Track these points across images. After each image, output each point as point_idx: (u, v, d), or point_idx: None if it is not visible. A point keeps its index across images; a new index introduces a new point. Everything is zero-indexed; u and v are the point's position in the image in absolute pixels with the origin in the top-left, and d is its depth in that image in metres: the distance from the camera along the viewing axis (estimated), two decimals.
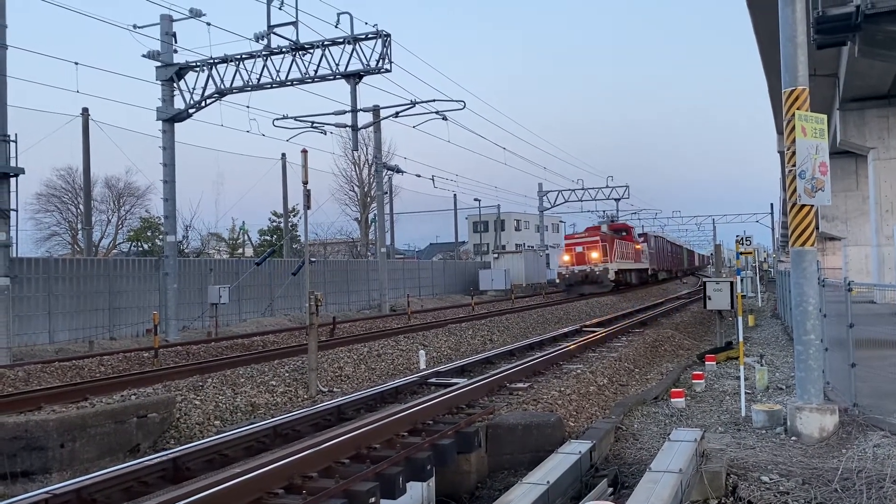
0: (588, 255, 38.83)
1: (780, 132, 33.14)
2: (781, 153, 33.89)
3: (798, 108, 8.40)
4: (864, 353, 9.05)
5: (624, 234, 45.10)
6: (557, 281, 41.58)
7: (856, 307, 8.99)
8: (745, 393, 9.98)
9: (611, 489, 6.70)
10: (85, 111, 27.14)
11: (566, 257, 40.08)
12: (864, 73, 20.96)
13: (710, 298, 15.62)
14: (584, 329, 19.35)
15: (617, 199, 56.10)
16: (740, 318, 11.02)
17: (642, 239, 50.06)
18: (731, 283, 15.47)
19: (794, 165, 8.44)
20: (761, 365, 12.17)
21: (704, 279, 19.96)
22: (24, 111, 22.96)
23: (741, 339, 10.79)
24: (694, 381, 12.01)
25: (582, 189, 55.76)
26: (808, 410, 8.19)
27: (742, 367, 10.19)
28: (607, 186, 55.60)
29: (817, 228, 29.83)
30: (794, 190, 8.44)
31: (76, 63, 19.90)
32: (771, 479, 6.64)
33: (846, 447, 7.62)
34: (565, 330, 18.95)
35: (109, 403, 9.44)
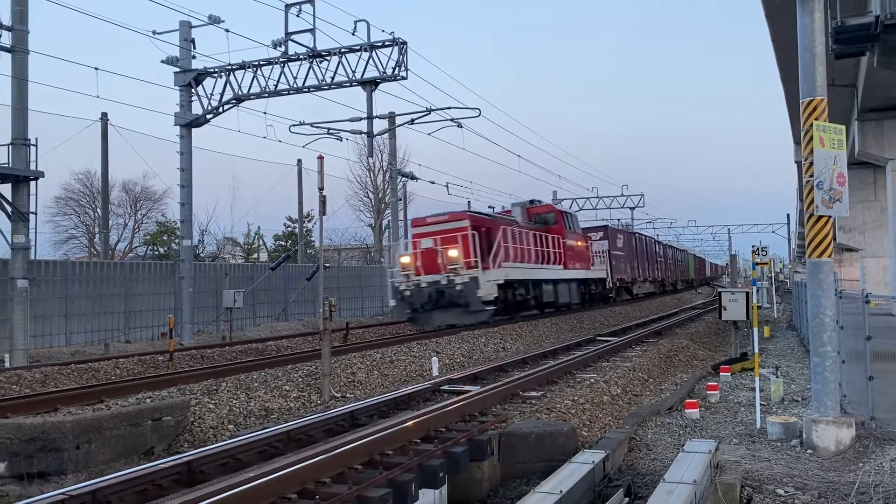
0: (443, 254, 20.78)
1: (797, 142, 32.93)
2: (799, 163, 33.64)
3: (816, 119, 8.36)
4: (881, 366, 8.97)
5: (545, 222, 27.51)
6: (392, 303, 22.40)
7: (873, 319, 8.91)
8: (761, 405, 9.90)
9: (625, 499, 6.67)
10: (104, 116, 27.43)
11: (405, 258, 21.68)
12: (883, 84, 20.78)
13: (725, 309, 15.54)
14: None
15: (632, 208, 55.93)
16: (755, 329, 10.94)
17: (599, 235, 34.16)
18: (747, 293, 15.37)
19: (811, 176, 8.39)
20: (777, 376, 12.08)
21: (720, 289, 19.84)
22: (44, 115, 23.24)
23: (756, 350, 10.71)
24: (708, 392, 11.92)
25: (597, 197, 55.61)
26: (824, 423, 8.11)
27: (757, 379, 10.12)
28: (622, 195, 55.44)
29: (835, 239, 29.59)
30: (812, 201, 8.38)
31: (96, 68, 20.12)
32: (786, 492, 6.58)
33: (863, 461, 7.54)
34: None
35: (125, 406, 9.51)
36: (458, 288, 20.02)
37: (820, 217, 8.41)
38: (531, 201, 28.64)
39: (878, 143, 24.25)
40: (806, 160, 8.49)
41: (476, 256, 20.45)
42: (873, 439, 8.16)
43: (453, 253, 20.46)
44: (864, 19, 11.83)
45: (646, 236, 48.66)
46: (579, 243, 29.46)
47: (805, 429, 8.33)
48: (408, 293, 20.84)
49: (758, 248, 29.03)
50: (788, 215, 69.26)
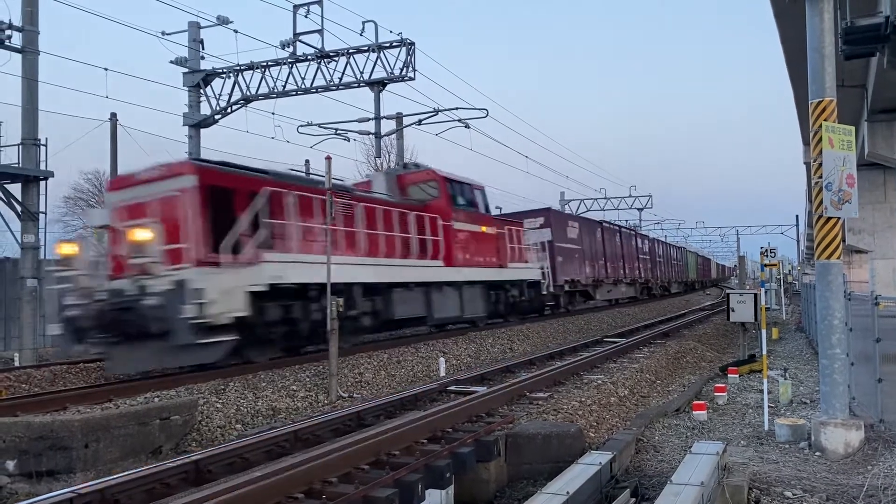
0: (127, 237, 11.57)
1: (806, 143, 32.77)
2: (807, 164, 33.49)
3: (825, 120, 8.32)
4: (891, 369, 8.91)
5: (424, 196, 19.00)
6: (54, 329, 12.45)
7: (883, 321, 8.86)
8: (769, 406, 9.86)
9: (632, 500, 6.65)
10: (113, 116, 27.53)
11: (69, 248, 12.26)
12: (892, 85, 20.64)
13: (733, 310, 15.48)
14: None
15: (640, 209, 55.77)
16: (764, 331, 10.90)
17: (538, 222, 25.78)
18: (755, 295, 15.31)
19: (820, 177, 8.35)
20: (785, 378, 12.03)
21: (728, 291, 19.76)
22: (54, 116, 23.39)
23: (765, 351, 10.67)
24: (716, 394, 11.89)
25: (605, 198, 55.47)
26: (832, 425, 8.07)
27: (765, 381, 10.08)
28: (630, 196, 55.30)
29: (844, 241, 29.42)
30: (821, 202, 8.35)
31: (105, 69, 20.24)
32: (794, 495, 6.55)
33: (872, 463, 7.50)
34: None
35: (133, 405, 9.54)
36: (148, 302, 10.86)
37: (829, 218, 8.38)
38: (405, 165, 22.22)
39: (888, 145, 24.10)
40: (815, 161, 8.46)
41: (198, 241, 11.58)
42: (882, 442, 8.12)
43: (144, 235, 11.22)
44: (873, 20, 11.78)
45: (620, 227, 39.30)
46: (485, 229, 20.29)
47: (813, 431, 8.30)
48: (76, 312, 11.49)
49: (766, 250, 28.98)
50: (797, 217, 68.94)
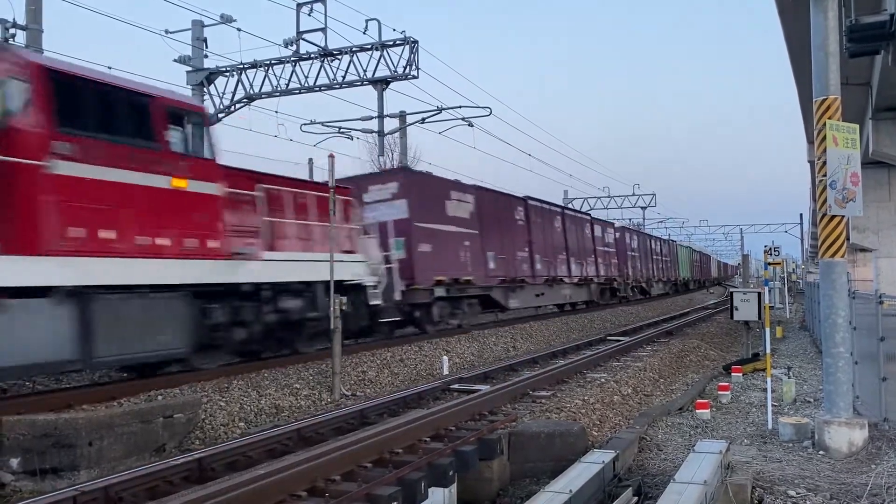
0: None
1: (810, 142, 32.68)
2: (811, 163, 33.40)
3: (829, 118, 8.30)
4: (895, 368, 8.89)
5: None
6: None
7: (887, 320, 8.84)
8: (772, 405, 9.85)
9: (635, 499, 6.65)
10: None
11: None
12: None
13: (737, 309, 15.47)
14: None
15: (643, 207, 55.72)
16: (767, 330, 10.88)
17: (389, 191, 17.73)
18: (759, 293, 15.30)
19: (824, 175, 8.33)
20: (789, 377, 12.01)
21: (731, 289, 19.75)
22: None
23: (768, 350, 10.65)
24: (720, 393, 11.87)
25: (608, 197, 55.45)
26: (836, 424, 8.06)
27: (769, 379, 10.06)
28: (633, 194, 55.24)
29: (848, 239, 29.38)
30: (825, 200, 8.33)
31: (109, 67, 20.24)
32: (798, 494, 6.54)
33: (876, 462, 7.49)
34: None
35: (137, 403, 9.56)
36: None
37: (833, 217, 8.36)
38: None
39: (894, 143, 24.00)
40: (819, 159, 8.44)
41: None
42: (886, 441, 8.11)
43: None
44: (878, 17, 11.71)
45: (565, 208, 30.10)
46: (183, 185, 10.54)
47: (817, 430, 8.28)
48: None
49: (770, 248, 28.91)
50: (801, 215, 68.77)
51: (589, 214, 33.26)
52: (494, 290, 21.00)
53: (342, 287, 13.02)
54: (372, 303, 14.52)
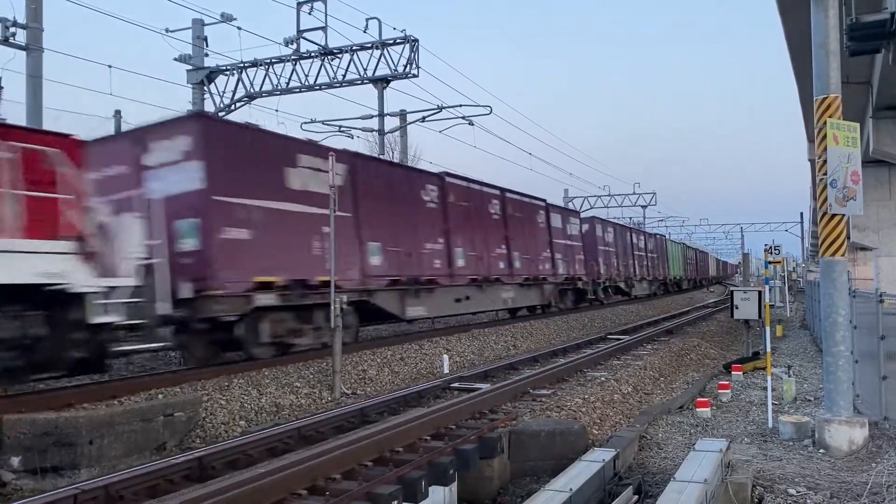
0: None
1: (810, 140, 32.65)
2: (812, 161, 33.36)
3: (830, 117, 8.30)
4: (895, 366, 8.89)
5: None
6: None
7: (887, 319, 8.84)
8: (773, 404, 9.86)
9: (635, 497, 6.65)
10: (117, 113, 27.58)
11: None
12: None
13: (737, 307, 15.47)
14: None
15: (644, 206, 55.71)
16: (768, 328, 10.88)
17: (181, 146, 11.74)
18: (759, 292, 15.30)
19: (825, 174, 8.33)
20: (789, 376, 12.02)
21: (732, 288, 19.75)
22: (58, 113, 23.35)
23: (769, 349, 10.65)
24: (720, 391, 11.87)
25: (608, 195, 55.44)
26: (836, 423, 8.06)
27: (769, 378, 10.06)
28: (634, 193, 55.22)
29: (848, 238, 29.35)
30: (825, 199, 8.33)
31: (110, 66, 20.27)
32: (798, 492, 6.55)
33: (876, 461, 7.49)
34: None
35: (137, 402, 9.56)
36: None
37: (833, 215, 8.35)
38: None
39: (894, 141, 23.99)
40: (819, 158, 8.44)
41: None
42: (886, 439, 8.11)
43: None
44: (879, 16, 11.69)
45: (505, 190, 23.02)
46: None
47: (817, 428, 8.28)
48: None
49: (770, 247, 28.91)
50: (802, 214, 68.74)
51: (544, 200, 26.39)
52: (379, 294, 15.64)
53: (24, 294, 8.54)
54: (95, 320, 9.15)
